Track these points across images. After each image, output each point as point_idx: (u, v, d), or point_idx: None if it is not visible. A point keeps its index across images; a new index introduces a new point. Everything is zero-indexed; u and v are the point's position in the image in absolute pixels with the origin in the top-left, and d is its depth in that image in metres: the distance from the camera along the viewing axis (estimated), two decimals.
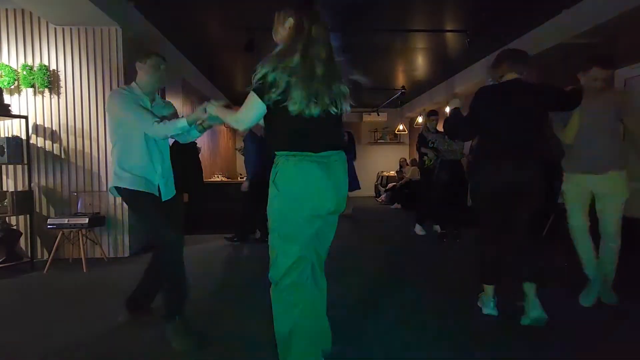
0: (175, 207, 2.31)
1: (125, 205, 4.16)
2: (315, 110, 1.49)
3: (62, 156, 4.09)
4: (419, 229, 5.22)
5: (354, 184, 6.82)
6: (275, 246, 1.57)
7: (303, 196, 1.50)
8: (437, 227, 5.23)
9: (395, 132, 11.42)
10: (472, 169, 2.55)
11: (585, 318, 2.43)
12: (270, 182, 1.56)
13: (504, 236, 2.33)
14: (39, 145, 4.04)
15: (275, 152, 1.57)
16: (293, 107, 1.47)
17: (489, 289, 2.42)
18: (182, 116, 2.10)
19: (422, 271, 3.55)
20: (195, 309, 2.35)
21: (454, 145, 4.77)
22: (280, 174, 1.52)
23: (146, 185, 2.11)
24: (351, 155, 6.86)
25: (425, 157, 5.11)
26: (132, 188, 2.09)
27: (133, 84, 2.21)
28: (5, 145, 3.55)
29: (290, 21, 1.58)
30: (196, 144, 4.65)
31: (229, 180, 7.32)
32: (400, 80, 8.05)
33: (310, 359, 1.58)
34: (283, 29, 1.61)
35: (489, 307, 2.42)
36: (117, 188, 2.16)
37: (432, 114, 5.26)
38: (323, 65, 1.53)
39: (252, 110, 1.55)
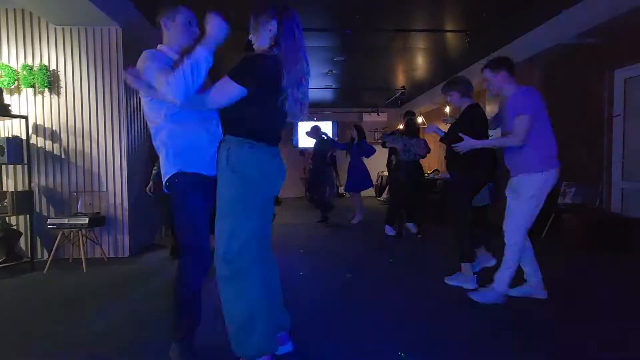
0: None
1: (125, 205, 4.16)
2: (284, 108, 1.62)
3: (62, 156, 4.09)
4: (388, 230, 5.17)
5: (367, 182, 6.69)
6: (226, 228, 1.58)
7: (259, 178, 1.59)
8: (410, 226, 5.23)
9: None
10: (469, 167, 2.97)
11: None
12: (223, 165, 1.58)
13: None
14: (39, 145, 4.05)
15: (228, 135, 1.62)
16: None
17: (469, 266, 2.97)
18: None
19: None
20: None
21: (412, 147, 4.91)
22: (236, 158, 1.57)
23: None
24: (361, 152, 6.79)
25: (393, 157, 5.33)
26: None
27: (162, 47, 1.83)
28: (5, 145, 3.55)
29: (273, 24, 1.61)
30: None
31: None
32: (400, 80, 8.06)
33: (271, 340, 1.60)
34: (265, 31, 1.63)
35: (474, 282, 2.92)
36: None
37: (411, 115, 5.44)
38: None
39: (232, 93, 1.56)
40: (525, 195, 2.50)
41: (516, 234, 2.54)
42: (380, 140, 6.05)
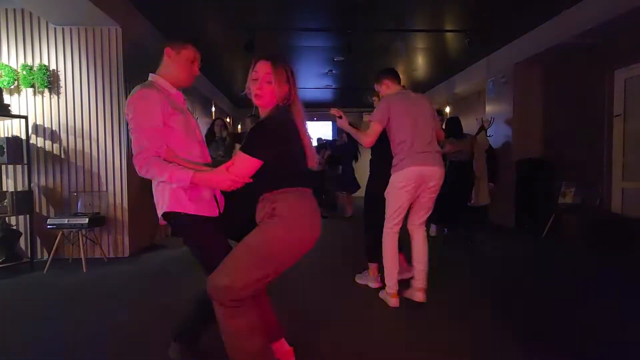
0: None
1: (125, 205, 4.16)
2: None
3: (62, 156, 4.09)
4: (433, 230, 5.04)
5: (353, 186, 6.84)
6: (247, 259, 1.50)
7: (308, 228, 1.56)
8: (445, 229, 5.09)
9: None
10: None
11: None
12: (270, 213, 1.53)
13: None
14: (39, 145, 4.04)
15: (267, 191, 1.57)
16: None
17: (375, 266, 3.01)
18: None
19: None
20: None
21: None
22: (286, 207, 1.52)
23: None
24: (352, 157, 6.84)
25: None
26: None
27: (158, 78, 1.75)
28: (5, 145, 3.55)
29: (285, 88, 1.62)
30: None
31: None
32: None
33: (268, 350, 1.59)
34: (282, 91, 1.61)
35: (377, 281, 2.99)
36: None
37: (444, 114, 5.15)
38: None
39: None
40: (388, 191, 2.69)
41: (387, 226, 2.68)
42: None
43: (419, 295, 2.61)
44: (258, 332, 1.55)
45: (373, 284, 3.00)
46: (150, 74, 1.77)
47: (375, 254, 2.95)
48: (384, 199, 2.72)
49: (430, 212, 2.72)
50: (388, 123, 2.68)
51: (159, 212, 1.69)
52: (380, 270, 2.88)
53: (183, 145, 1.68)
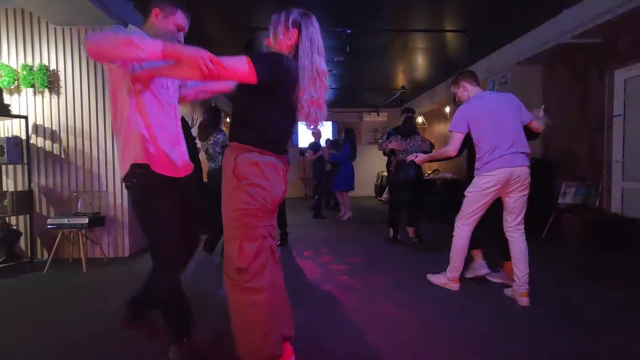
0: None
1: (125, 205, 4.16)
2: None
3: (62, 156, 4.09)
4: (391, 232, 4.91)
5: (349, 183, 6.78)
6: (235, 236, 1.54)
7: (267, 186, 1.56)
8: (409, 230, 4.94)
9: None
10: None
11: None
12: (229, 175, 1.53)
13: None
14: (39, 145, 4.04)
15: (235, 142, 1.56)
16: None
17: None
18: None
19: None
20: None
21: (410, 146, 4.55)
22: (243, 167, 1.52)
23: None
24: (348, 155, 6.80)
25: (392, 157, 4.96)
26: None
27: (137, 29, 1.69)
28: (5, 145, 3.55)
29: (293, 33, 1.59)
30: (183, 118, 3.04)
31: None
32: (400, 80, 8.06)
33: (279, 345, 1.60)
34: (286, 39, 1.60)
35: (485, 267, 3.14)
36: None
37: (408, 112, 5.02)
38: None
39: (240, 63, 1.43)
40: (470, 190, 2.76)
41: (461, 221, 2.80)
42: (379, 141, 5.94)
43: (523, 300, 2.59)
44: (273, 331, 1.56)
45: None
46: (129, 25, 1.71)
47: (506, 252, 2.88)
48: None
49: (523, 212, 2.72)
50: (469, 128, 2.71)
51: (127, 167, 1.59)
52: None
53: (155, 108, 1.61)
